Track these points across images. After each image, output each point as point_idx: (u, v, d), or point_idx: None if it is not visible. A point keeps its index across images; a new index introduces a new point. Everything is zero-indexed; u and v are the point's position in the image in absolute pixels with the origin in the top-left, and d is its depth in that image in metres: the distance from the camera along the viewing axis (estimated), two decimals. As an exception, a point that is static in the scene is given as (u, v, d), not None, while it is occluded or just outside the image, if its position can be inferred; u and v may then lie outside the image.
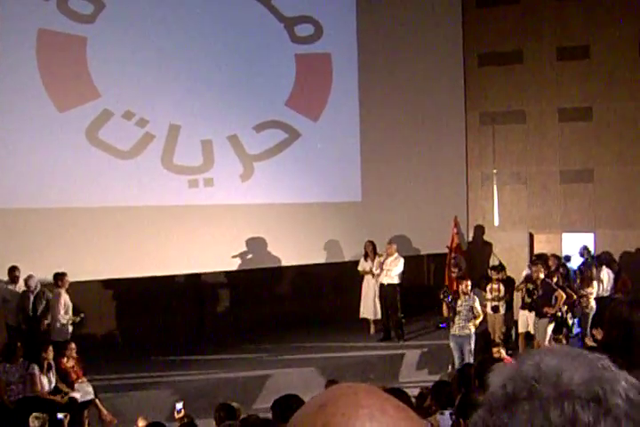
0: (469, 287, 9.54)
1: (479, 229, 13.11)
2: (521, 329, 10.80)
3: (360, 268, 11.06)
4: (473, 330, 9.52)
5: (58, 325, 8.52)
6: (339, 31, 11.51)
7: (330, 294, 11.93)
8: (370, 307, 11.03)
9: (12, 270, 8.60)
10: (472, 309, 9.39)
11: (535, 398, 0.84)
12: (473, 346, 9.46)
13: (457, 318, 9.45)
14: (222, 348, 10.10)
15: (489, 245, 12.94)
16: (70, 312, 8.55)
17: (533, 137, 12.94)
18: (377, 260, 10.76)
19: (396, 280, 10.64)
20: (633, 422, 0.83)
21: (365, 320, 11.21)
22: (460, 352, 9.45)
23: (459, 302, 9.42)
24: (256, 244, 10.54)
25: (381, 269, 10.60)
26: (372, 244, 10.99)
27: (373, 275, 10.86)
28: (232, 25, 10.63)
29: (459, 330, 9.46)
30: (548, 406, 0.83)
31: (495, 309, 10.83)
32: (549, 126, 12.87)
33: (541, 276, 10.34)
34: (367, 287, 11.06)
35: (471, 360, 9.23)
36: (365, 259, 11.02)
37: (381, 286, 10.66)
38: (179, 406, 6.66)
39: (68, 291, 8.59)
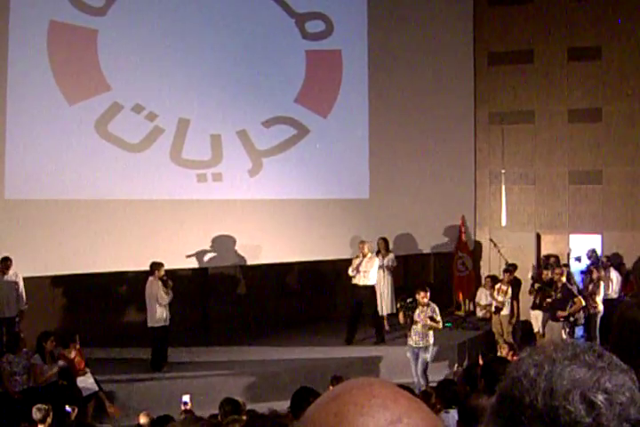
0: (426, 299, 8.89)
1: (486, 229, 13.07)
2: (535, 329, 10.79)
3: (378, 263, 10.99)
4: (432, 341, 9.01)
5: (153, 312, 8.82)
6: (349, 28, 11.48)
7: (335, 291, 11.90)
8: (379, 302, 11.01)
9: (4, 261, 8.55)
10: (432, 319, 8.85)
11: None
12: (430, 356, 8.98)
13: (414, 329, 8.91)
14: (227, 343, 10.10)
15: (495, 244, 12.89)
16: (167, 299, 8.85)
17: (542, 137, 12.90)
18: (354, 261, 10.35)
19: (373, 281, 10.41)
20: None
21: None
22: (416, 362, 8.96)
23: (416, 312, 8.89)
24: (263, 239, 10.52)
25: (357, 271, 10.23)
26: (385, 241, 11.00)
27: (384, 271, 10.85)
28: (243, 20, 10.61)
29: (417, 341, 8.93)
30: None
31: (497, 309, 10.81)
32: (559, 127, 12.82)
33: (563, 279, 10.32)
34: (377, 283, 11.04)
35: (426, 371, 8.89)
36: (377, 255, 11.00)
37: (355, 287, 10.31)
38: (185, 398, 6.62)
39: (161, 279, 8.87)
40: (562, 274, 10.33)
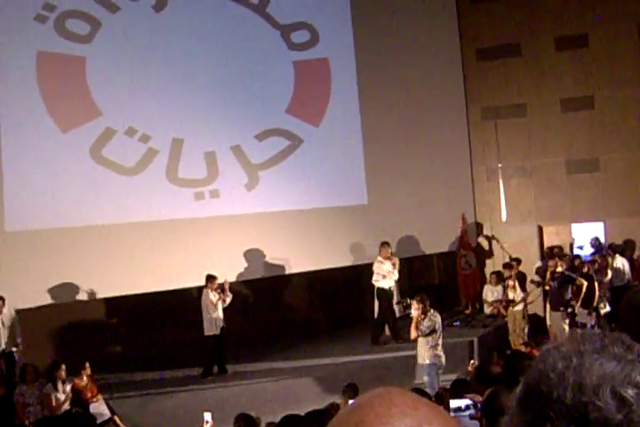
0: (417, 311, 8.28)
1: (487, 225, 13.10)
2: (549, 322, 10.83)
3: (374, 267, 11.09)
4: (426, 360, 8.34)
5: (207, 321, 9.40)
6: (335, 35, 11.51)
7: (342, 298, 11.92)
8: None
9: None
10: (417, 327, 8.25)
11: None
12: (427, 379, 8.24)
13: (422, 342, 8.33)
14: (236, 358, 10.08)
15: (497, 240, 12.94)
16: (218, 310, 9.42)
17: (536, 129, 12.90)
18: (388, 263, 10.69)
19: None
20: None
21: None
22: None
23: (423, 323, 8.27)
24: (266, 252, 10.55)
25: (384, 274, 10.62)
26: (387, 245, 11.07)
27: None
28: (229, 36, 10.66)
29: (428, 358, 8.30)
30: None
31: (507, 305, 10.83)
32: (552, 117, 12.83)
33: (558, 269, 10.40)
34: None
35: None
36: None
37: (384, 289, 10.72)
38: (207, 416, 6.57)
39: (215, 290, 9.49)
40: (556, 265, 10.45)
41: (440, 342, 8.53)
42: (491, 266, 12.64)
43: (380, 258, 10.66)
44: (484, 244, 12.97)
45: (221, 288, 9.55)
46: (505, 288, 10.97)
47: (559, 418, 0.89)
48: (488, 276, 11.94)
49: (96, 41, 9.66)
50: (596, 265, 11.19)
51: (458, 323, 11.56)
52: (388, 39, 11.99)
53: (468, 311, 12.23)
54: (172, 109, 10.04)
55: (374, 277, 10.66)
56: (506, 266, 11.20)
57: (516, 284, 10.78)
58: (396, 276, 10.64)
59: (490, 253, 12.90)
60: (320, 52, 11.33)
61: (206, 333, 9.46)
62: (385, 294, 10.67)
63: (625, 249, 12.01)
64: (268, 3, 10.94)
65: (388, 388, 0.90)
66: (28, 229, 8.96)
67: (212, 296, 9.44)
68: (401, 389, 0.91)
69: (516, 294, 10.77)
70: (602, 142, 12.56)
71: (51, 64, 9.38)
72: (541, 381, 0.92)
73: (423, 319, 8.40)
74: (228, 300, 9.61)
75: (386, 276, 10.57)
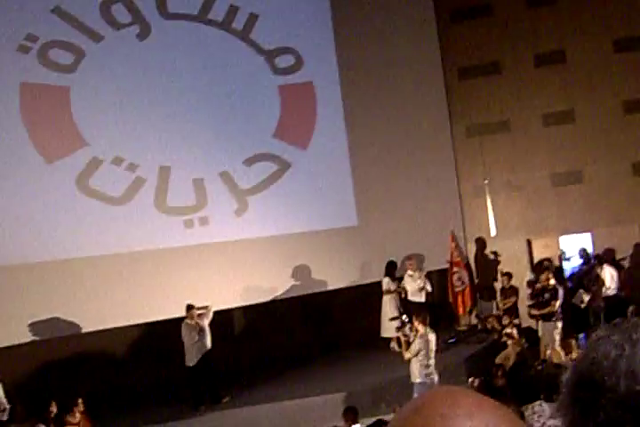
0: (418, 329, 8.18)
1: (478, 242, 13.13)
2: (541, 333, 10.84)
3: (385, 287, 11.13)
4: (415, 378, 8.16)
5: (188, 351, 9.20)
6: (319, 58, 11.55)
7: (336, 321, 11.82)
8: (390, 325, 11.03)
9: None
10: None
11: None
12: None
13: (417, 360, 8.18)
14: (229, 387, 9.80)
15: (490, 255, 12.98)
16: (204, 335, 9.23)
17: (520, 144, 13.03)
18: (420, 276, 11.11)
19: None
20: None
21: (385, 339, 11.22)
22: None
23: (415, 342, 8.16)
24: (259, 278, 10.47)
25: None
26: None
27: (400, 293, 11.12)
28: (213, 62, 10.66)
29: (419, 376, 8.15)
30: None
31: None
32: (535, 132, 12.98)
33: (552, 282, 10.48)
34: (386, 306, 11.10)
35: None
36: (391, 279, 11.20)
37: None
38: None
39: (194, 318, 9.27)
40: (547, 279, 10.53)
41: (432, 362, 8.41)
42: (485, 282, 12.65)
43: (409, 272, 11.07)
44: (490, 257, 12.95)
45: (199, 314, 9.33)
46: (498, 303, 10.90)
47: (613, 407, 0.86)
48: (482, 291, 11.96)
49: (80, 70, 9.61)
50: (588, 279, 11.28)
51: (453, 340, 11.51)
52: (371, 62, 12.05)
53: (463, 328, 12.20)
54: (158, 137, 9.99)
55: (410, 292, 11.00)
56: (499, 318, 11.12)
57: (514, 331, 10.27)
58: (429, 288, 11.07)
59: (495, 266, 12.86)
60: (305, 75, 11.36)
61: (188, 363, 9.22)
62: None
63: (613, 258, 12.10)
64: (252, 29, 10.97)
65: (449, 387, 0.86)
66: (13, 263, 8.79)
67: (192, 322, 9.23)
68: (462, 388, 0.87)
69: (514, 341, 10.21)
70: (584, 154, 12.72)
71: (34, 95, 9.31)
72: (593, 369, 0.90)
73: (414, 338, 8.31)
74: (207, 321, 9.38)
75: (419, 290, 10.95)
